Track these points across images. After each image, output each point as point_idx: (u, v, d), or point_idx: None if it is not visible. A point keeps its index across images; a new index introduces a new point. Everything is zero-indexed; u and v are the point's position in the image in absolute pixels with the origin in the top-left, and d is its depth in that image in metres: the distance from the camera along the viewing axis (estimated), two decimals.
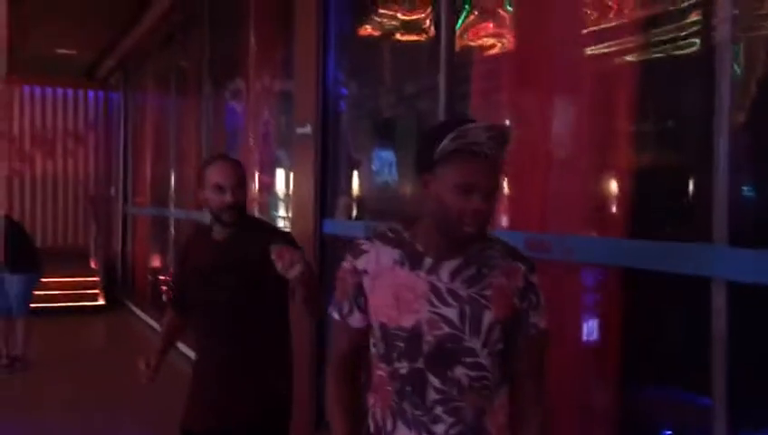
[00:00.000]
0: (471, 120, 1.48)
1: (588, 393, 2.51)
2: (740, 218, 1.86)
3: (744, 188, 1.90)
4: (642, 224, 2.26)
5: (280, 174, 5.39)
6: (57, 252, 10.52)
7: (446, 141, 1.40)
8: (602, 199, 2.46)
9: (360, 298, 1.57)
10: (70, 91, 11.50)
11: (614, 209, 2.40)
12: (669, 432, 2.71)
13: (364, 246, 1.57)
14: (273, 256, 1.84)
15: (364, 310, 1.57)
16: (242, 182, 2.38)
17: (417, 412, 1.47)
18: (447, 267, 1.49)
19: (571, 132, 2.60)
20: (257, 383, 2.37)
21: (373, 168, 4.59)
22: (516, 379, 1.55)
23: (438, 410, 1.46)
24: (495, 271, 1.50)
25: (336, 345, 1.65)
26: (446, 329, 1.46)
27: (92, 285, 9.70)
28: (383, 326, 1.51)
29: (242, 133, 5.94)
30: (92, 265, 10.28)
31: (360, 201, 4.27)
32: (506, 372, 1.53)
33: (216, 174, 2.35)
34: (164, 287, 8.36)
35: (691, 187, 2.19)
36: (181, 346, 5.00)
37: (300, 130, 4.30)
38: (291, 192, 4.74)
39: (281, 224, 5.05)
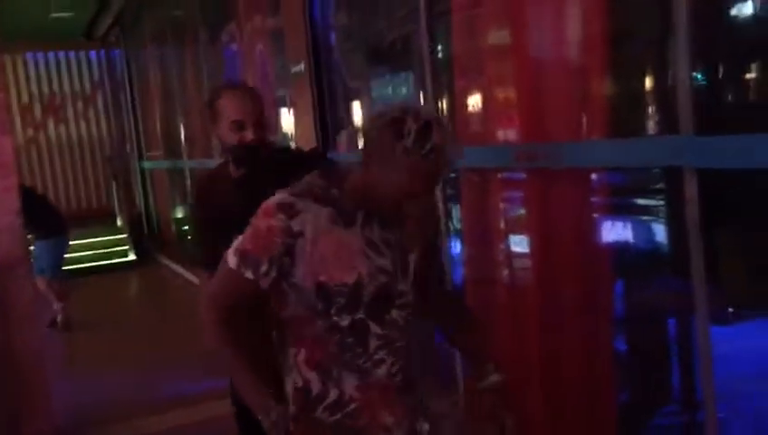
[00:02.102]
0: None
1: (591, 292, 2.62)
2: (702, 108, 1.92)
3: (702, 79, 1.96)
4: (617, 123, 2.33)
5: (283, 113, 5.46)
6: (83, 215, 10.75)
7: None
8: (583, 103, 2.52)
9: (284, 259, 1.42)
10: (72, 54, 11.51)
11: (593, 112, 2.46)
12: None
13: (298, 206, 1.43)
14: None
15: (284, 273, 1.44)
16: (263, 115, 2.04)
17: (360, 361, 1.48)
18: (377, 218, 1.48)
19: (552, 44, 2.63)
20: None
21: (372, 95, 4.65)
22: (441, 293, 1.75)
23: (381, 353, 1.49)
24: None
25: (223, 289, 1.50)
26: (383, 279, 1.48)
27: (122, 242, 9.98)
28: (321, 284, 1.44)
29: (241, 77, 5.98)
30: (119, 222, 10.54)
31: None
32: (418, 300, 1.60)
33: (232, 108, 2.00)
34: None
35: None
36: None
37: (294, 69, 4.35)
38: (294, 131, 4.82)
39: None
